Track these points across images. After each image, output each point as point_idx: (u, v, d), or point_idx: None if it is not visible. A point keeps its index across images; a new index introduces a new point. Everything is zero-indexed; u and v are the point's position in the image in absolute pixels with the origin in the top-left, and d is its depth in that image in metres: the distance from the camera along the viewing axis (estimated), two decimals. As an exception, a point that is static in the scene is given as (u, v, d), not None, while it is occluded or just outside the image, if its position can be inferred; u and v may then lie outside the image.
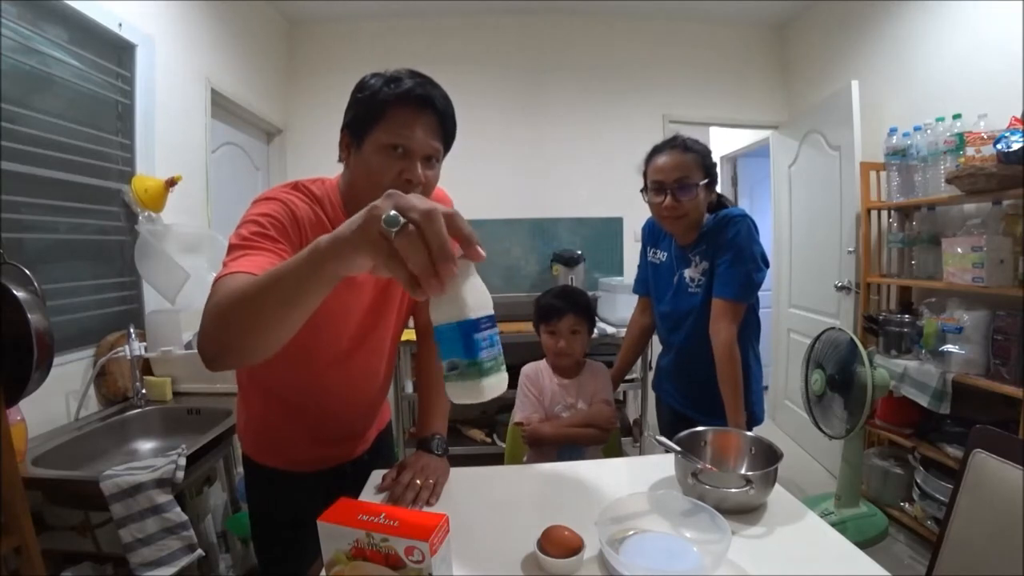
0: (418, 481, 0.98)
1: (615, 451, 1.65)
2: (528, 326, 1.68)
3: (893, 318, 2.27)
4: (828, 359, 1.98)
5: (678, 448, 0.97)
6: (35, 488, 1.23)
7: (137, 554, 1.17)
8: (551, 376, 1.56)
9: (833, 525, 0.90)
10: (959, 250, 1.90)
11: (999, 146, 1.72)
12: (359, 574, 0.62)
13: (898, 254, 2.39)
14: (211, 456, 1.49)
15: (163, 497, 1.21)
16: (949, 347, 1.95)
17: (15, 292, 1.12)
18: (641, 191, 1.47)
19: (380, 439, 1.25)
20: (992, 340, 1.85)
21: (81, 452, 1.45)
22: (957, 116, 2.05)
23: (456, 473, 1.07)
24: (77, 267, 1.73)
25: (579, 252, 3.14)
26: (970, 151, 1.93)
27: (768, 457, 0.98)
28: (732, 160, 4.56)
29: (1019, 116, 1.77)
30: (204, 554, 1.30)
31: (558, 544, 0.74)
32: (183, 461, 1.26)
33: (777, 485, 0.95)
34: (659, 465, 1.08)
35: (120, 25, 1.82)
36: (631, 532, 0.82)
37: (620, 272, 3.34)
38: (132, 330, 1.71)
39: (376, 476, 1.05)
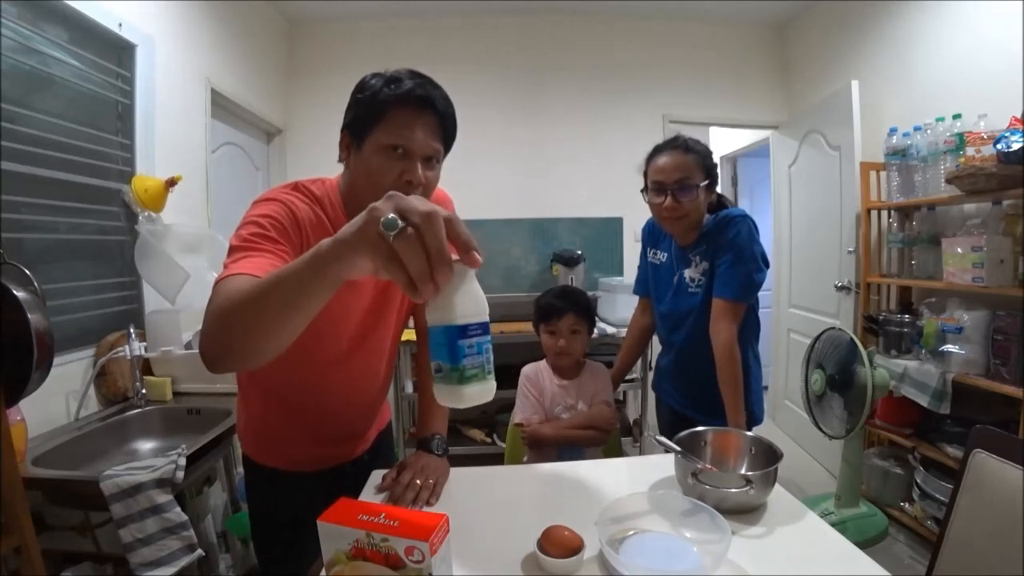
0: (418, 481, 0.98)
1: (615, 451, 1.65)
2: (528, 326, 1.68)
3: (893, 318, 2.27)
4: (828, 359, 1.98)
5: (678, 448, 0.97)
6: (35, 488, 1.23)
7: (137, 554, 1.17)
8: (551, 377, 1.56)
9: (833, 525, 0.90)
10: (959, 250, 1.90)
11: (999, 146, 1.72)
12: (359, 574, 0.62)
13: (898, 254, 2.39)
14: (211, 456, 1.49)
15: (163, 497, 1.21)
16: (949, 347, 1.95)
17: (15, 292, 1.12)
18: (641, 191, 1.47)
19: (380, 439, 1.25)
20: (992, 340, 1.85)
21: (81, 452, 1.44)
22: (957, 116, 2.05)
23: (456, 473, 1.07)
24: (77, 267, 1.73)
25: (579, 252, 3.14)
26: (970, 151, 1.93)
27: (768, 457, 0.98)
28: (732, 160, 4.56)
29: (1019, 116, 1.77)
30: (204, 554, 1.30)
31: (558, 544, 0.74)
32: (183, 461, 1.26)
33: (777, 485, 0.95)
34: (659, 465, 1.08)
35: (120, 25, 1.82)
36: (631, 532, 0.82)
37: (620, 272, 3.34)
38: (132, 330, 1.71)
39: (376, 476, 1.05)
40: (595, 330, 1.91)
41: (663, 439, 1.01)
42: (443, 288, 0.49)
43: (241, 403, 1.13)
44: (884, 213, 2.52)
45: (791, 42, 3.45)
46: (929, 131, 2.15)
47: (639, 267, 1.71)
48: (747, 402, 1.39)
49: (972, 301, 1.95)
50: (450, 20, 3.28)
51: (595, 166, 3.37)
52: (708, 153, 1.42)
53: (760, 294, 1.44)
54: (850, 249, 2.67)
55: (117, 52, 1.88)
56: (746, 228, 1.37)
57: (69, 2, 1.60)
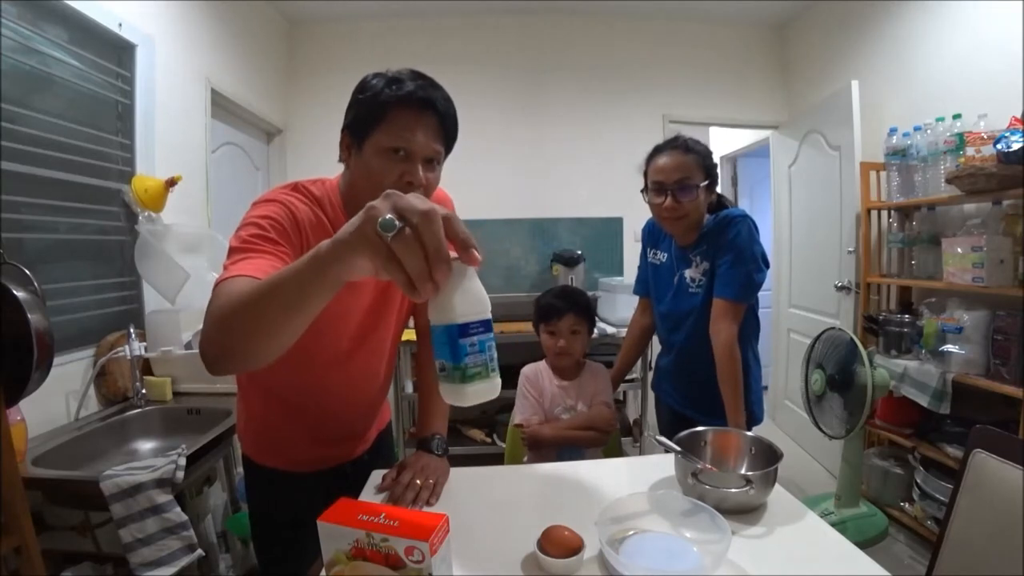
0: (418, 481, 0.98)
1: (615, 451, 1.65)
2: (528, 326, 1.68)
3: (893, 318, 2.27)
4: (828, 359, 1.98)
5: (678, 448, 0.97)
6: (35, 488, 1.23)
7: (137, 554, 1.17)
8: (551, 378, 1.56)
9: (833, 525, 0.90)
10: (959, 250, 1.90)
11: (999, 146, 1.72)
12: (359, 574, 0.62)
13: (898, 254, 2.39)
14: (211, 456, 1.49)
15: (163, 497, 1.21)
16: (949, 347, 1.95)
17: (15, 292, 1.12)
18: (641, 191, 1.47)
19: (380, 439, 1.25)
20: (992, 340, 1.85)
21: (81, 452, 1.44)
22: (957, 116, 2.05)
23: (456, 473, 1.07)
24: (77, 267, 1.73)
25: (579, 252, 3.14)
26: (970, 151, 1.93)
27: (768, 457, 0.98)
28: (732, 160, 4.56)
29: (1019, 116, 1.77)
30: (204, 554, 1.30)
31: (558, 544, 0.74)
32: (183, 461, 1.26)
33: (777, 485, 0.95)
34: (659, 465, 1.08)
35: (120, 25, 1.82)
36: (631, 532, 0.82)
37: (620, 272, 3.34)
38: (132, 330, 1.71)
39: (376, 476, 1.05)
40: (595, 330, 1.91)
41: (663, 439, 1.01)
42: (443, 287, 0.49)
43: (241, 403, 1.13)
44: (884, 213, 2.52)
45: (791, 42, 3.45)
46: (929, 131, 2.15)
47: (639, 267, 1.71)
48: (747, 402, 1.39)
49: (972, 301, 1.95)
50: (450, 20, 3.28)
51: (595, 166, 3.37)
52: (708, 153, 1.42)
53: (760, 294, 1.44)
54: (850, 249, 2.67)
55: (117, 52, 1.88)
56: (746, 228, 1.38)
57: (69, 2, 1.60)
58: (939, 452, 2.02)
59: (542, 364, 1.59)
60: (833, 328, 2.04)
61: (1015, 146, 1.67)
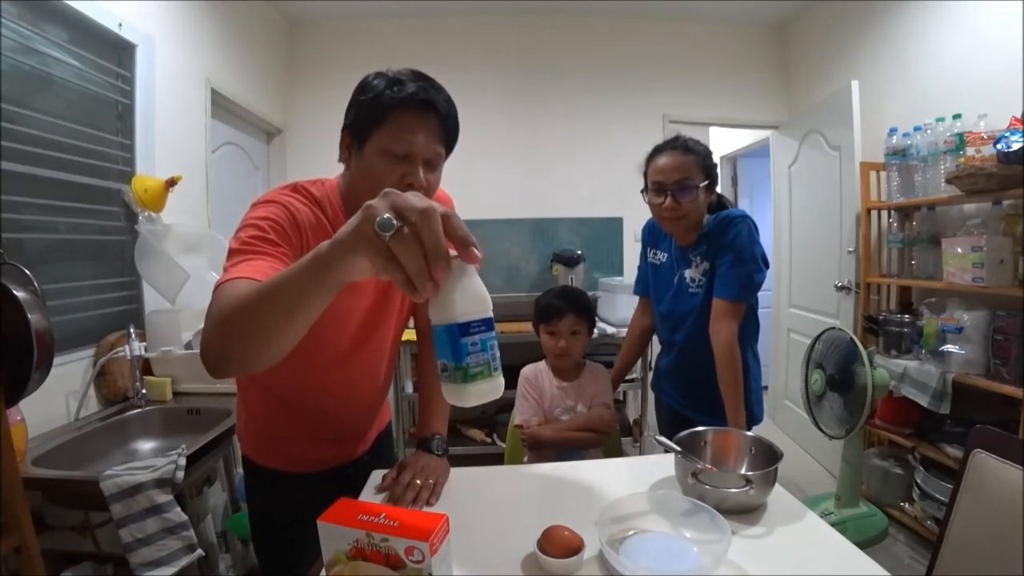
0: (418, 481, 0.98)
1: (615, 451, 1.65)
2: (528, 326, 1.68)
3: (893, 318, 2.27)
4: (828, 359, 1.98)
5: (678, 448, 0.97)
6: (35, 488, 1.23)
7: (137, 554, 1.17)
8: (551, 378, 1.56)
9: (833, 525, 0.90)
10: (959, 250, 1.90)
11: (999, 146, 1.72)
12: (359, 574, 0.62)
13: (898, 254, 2.39)
14: (211, 456, 1.49)
15: (163, 497, 1.21)
16: (949, 347, 1.95)
17: (15, 292, 1.12)
18: (641, 191, 1.47)
19: (380, 439, 1.25)
20: (992, 340, 1.85)
21: (81, 452, 1.44)
22: (957, 116, 2.05)
23: (456, 473, 1.07)
24: (77, 267, 1.73)
25: (579, 252, 3.14)
26: (970, 151, 1.93)
27: (768, 457, 0.98)
28: (732, 160, 4.57)
29: (1019, 116, 1.77)
30: (204, 554, 1.30)
31: (558, 544, 0.74)
32: (183, 461, 1.26)
33: (777, 485, 0.95)
34: (659, 465, 1.08)
35: (120, 25, 1.82)
36: (631, 532, 0.82)
37: (620, 272, 3.34)
38: (132, 330, 1.70)
39: (376, 476, 1.05)
40: (595, 330, 1.91)
41: (663, 439, 1.01)
42: (443, 286, 0.49)
43: (241, 403, 1.13)
44: (884, 213, 2.52)
45: (791, 42, 3.45)
46: (929, 131, 2.15)
47: (639, 267, 1.71)
48: (747, 402, 1.39)
49: (972, 301, 1.95)
50: (450, 20, 3.28)
51: (595, 166, 3.37)
52: (708, 153, 1.42)
53: (760, 294, 1.45)
54: (850, 249, 2.67)
55: (117, 52, 1.88)
56: (746, 228, 1.38)
57: (69, 2, 1.60)
58: (939, 452, 2.02)
59: (542, 364, 1.59)
60: (833, 328, 2.04)
61: (1015, 146, 1.67)
